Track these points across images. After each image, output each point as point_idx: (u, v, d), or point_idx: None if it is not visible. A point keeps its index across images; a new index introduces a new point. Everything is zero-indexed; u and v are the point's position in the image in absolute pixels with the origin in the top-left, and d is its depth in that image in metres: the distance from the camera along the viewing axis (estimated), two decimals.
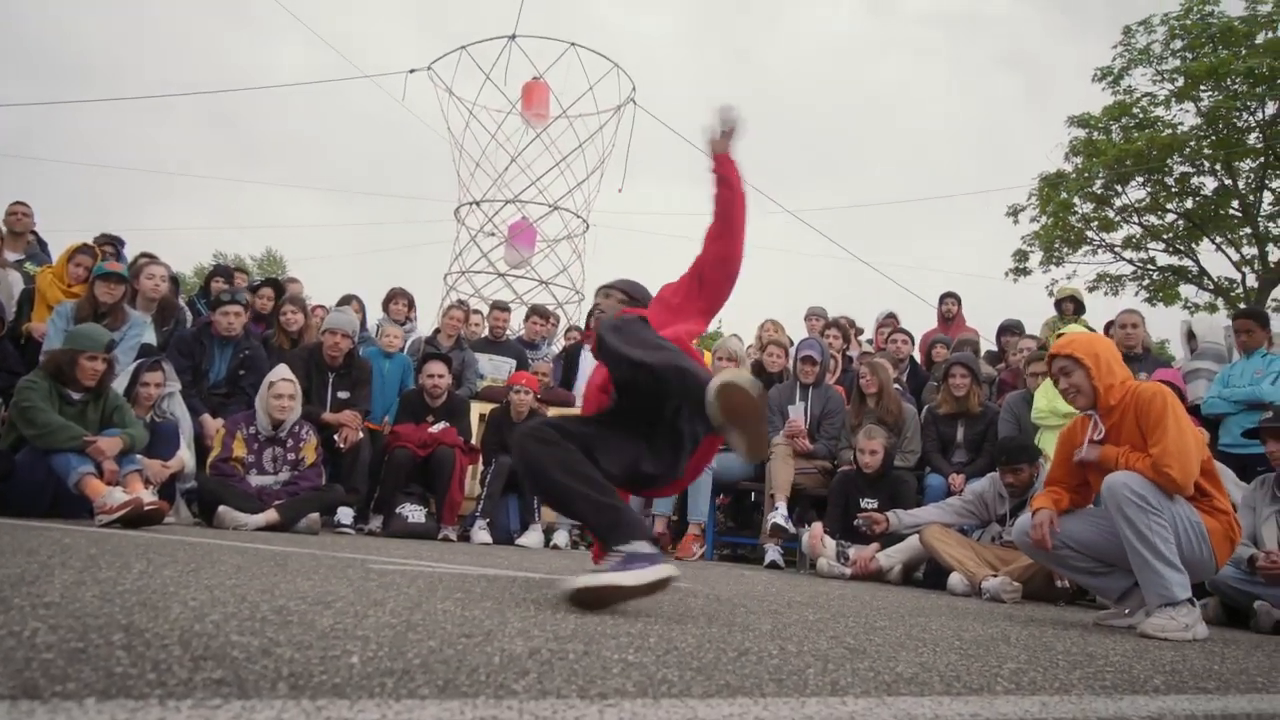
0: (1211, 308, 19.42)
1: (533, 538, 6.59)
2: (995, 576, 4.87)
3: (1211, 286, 19.88)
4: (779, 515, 6.33)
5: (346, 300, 8.62)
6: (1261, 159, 18.47)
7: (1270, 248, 18.96)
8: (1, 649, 1.29)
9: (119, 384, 5.57)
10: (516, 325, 10.64)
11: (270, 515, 5.50)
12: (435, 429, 6.77)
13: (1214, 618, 4.32)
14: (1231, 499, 4.73)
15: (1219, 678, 2.37)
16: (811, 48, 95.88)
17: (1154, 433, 3.50)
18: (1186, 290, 20.34)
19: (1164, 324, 32.16)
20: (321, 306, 9.34)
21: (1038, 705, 1.70)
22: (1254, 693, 2.20)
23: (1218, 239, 19.61)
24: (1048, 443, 5.90)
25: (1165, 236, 20.34)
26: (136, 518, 4.54)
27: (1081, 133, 19.87)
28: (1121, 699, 1.88)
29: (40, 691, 1.10)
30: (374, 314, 9.08)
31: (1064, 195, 19.87)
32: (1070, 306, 8.26)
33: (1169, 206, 19.96)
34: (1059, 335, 6.48)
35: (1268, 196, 18.92)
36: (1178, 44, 18.71)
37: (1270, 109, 17.99)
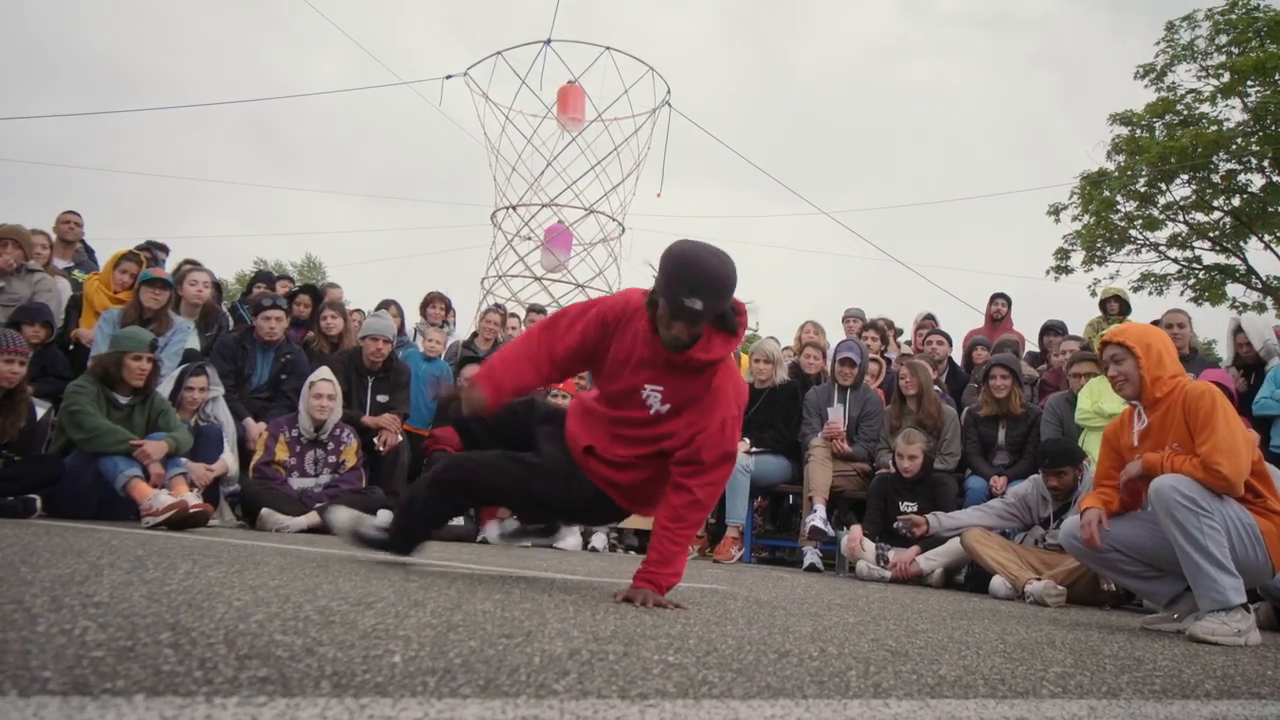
0: (1260, 307, 19.02)
1: (571, 540, 6.60)
2: (1039, 580, 4.80)
3: (1260, 285, 19.48)
4: (818, 518, 6.30)
5: (385, 305, 8.69)
6: None
7: None
8: (53, 647, 1.31)
9: (164, 388, 5.66)
10: None
11: (312, 518, 5.55)
12: None
13: (1266, 623, 4.22)
14: None
15: (1273, 683, 2.32)
16: (845, 48, 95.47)
17: (1202, 431, 3.43)
18: (1234, 289, 19.95)
19: (1211, 324, 31.53)
20: (359, 311, 9.44)
21: (1085, 709, 1.67)
22: None
23: (1266, 237, 19.20)
24: (1091, 444, 5.81)
25: (1212, 234, 19.96)
26: (182, 520, 4.61)
27: (1124, 130, 19.56)
28: (1172, 704, 1.84)
29: (91, 688, 1.11)
30: (412, 318, 9.14)
31: (1106, 194, 19.56)
32: (1115, 306, 8.13)
33: (1215, 204, 19.58)
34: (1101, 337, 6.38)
35: None
36: (1223, 39, 18.37)
37: None
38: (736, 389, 2.92)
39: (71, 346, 6.64)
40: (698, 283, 2.65)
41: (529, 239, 18.80)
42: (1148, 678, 2.17)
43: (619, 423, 2.99)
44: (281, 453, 5.92)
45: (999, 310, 9.07)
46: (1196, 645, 3.13)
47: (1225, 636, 3.21)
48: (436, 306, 8.91)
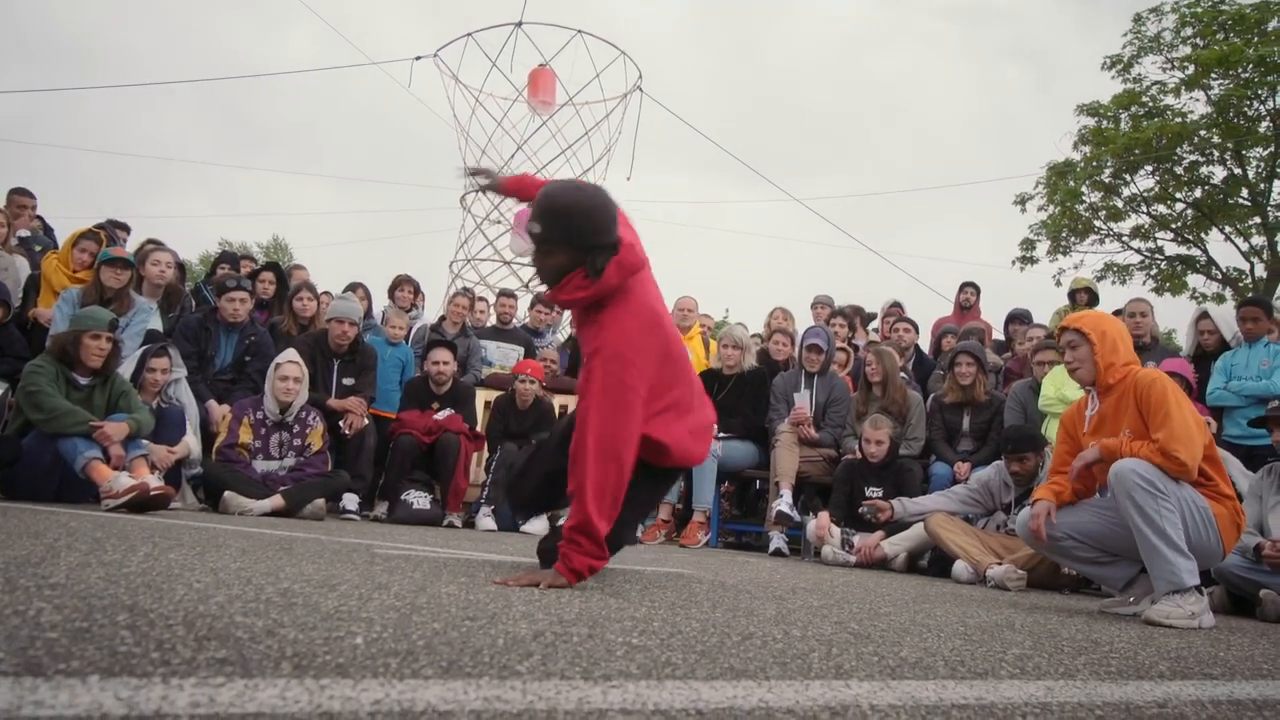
0: (1219, 298, 19.33)
1: (538, 525, 6.59)
2: (1000, 564, 4.87)
3: (1220, 276, 19.80)
4: (784, 503, 6.34)
5: (352, 288, 8.62)
6: (1272, 147, 18.35)
7: None
8: (6, 627, 1.29)
9: (125, 370, 5.58)
10: (523, 313, 10.63)
11: (276, 501, 5.51)
12: (440, 416, 6.77)
13: (1220, 606, 4.31)
14: (1238, 488, 4.74)
15: (1225, 665, 2.36)
16: (818, 35, 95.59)
17: (1156, 417, 3.50)
18: (1195, 280, 20.26)
19: (1172, 314, 32.12)
20: (327, 294, 9.34)
21: (1043, 690, 1.69)
22: (1260, 679, 2.19)
23: (1227, 229, 19.51)
24: (1054, 431, 5.88)
25: (1174, 226, 20.26)
26: (142, 502, 4.55)
27: (1090, 121, 19.79)
28: (1127, 684, 1.87)
29: (44, 669, 1.10)
30: (380, 301, 9.07)
31: (1072, 184, 19.77)
32: (1084, 297, 8.21)
33: (1178, 196, 19.87)
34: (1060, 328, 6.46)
35: (1278, 185, 18.81)
36: (1188, 31, 18.60)
37: None
38: (620, 330, 2.74)
39: (29, 326, 6.52)
40: (536, 209, 2.67)
41: (498, 223, 18.70)
42: (1104, 659, 2.20)
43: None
44: (245, 435, 5.86)
45: (968, 299, 9.15)
46: (1152, 628, 3.19)
47: (1180, 619, 3.27)
48: (405, 290, 8.84)
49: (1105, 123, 19.58)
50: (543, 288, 2.97)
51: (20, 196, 8.03)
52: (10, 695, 0.98)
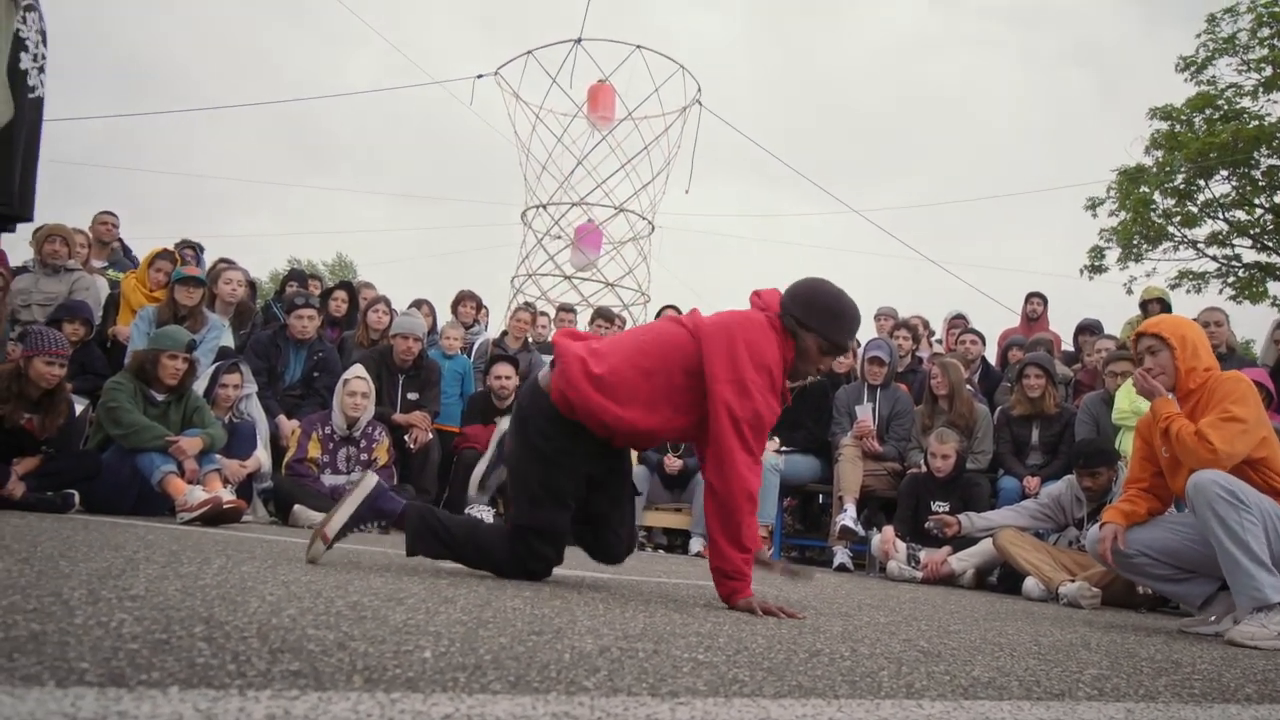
0: None
1: None
2: (1073, 581, 4.75)
3: None
4: (848, 517, 6.27)
5: (416, 304, 8.75)
6: None
7: None
8: (90, 639, 1.33)
9: (199, 385, 5.73)
10: (583, 328, 10.69)
11: None
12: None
13: None
14: None
15: None
16: (874, 44, 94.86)
17: (1217, 406, 3.43)
18: (1275, 288, 19.59)
19: (1250, 323, 31.02)
20: (391, 309, 9.49)
21: (1122, 712, 1.64)
22: None
23: None
24: (1129, 444, 5.73)
25: (1252, 232, 19.62)
26: (216, 515, 4.66)
27: (1163, 125, 19.27)
28: (1212, 707, 1.81)
29: (127, 680, 1.13)
30: (444, 317, 9.20)
31: (1144, 190, 19.28)
32: (1157, 308, 7.99)
33: (1256, 201, 19.25)
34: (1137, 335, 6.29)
35: None
36: (1265, 32, 18.05)
37: None
38: None
39: (109, 344, 6.74)
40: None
41: (559, 238, 18.85)
42: (1186, 681, 2.13)
43: None
44: (314, 450, 5.97)
45: (1034, 309, 8.96)
46: (1236, 648, 3.08)
47: (1265, 639, 3.15)
48: (467, 305, 8.96)
49: (1179, 126, 19.06)
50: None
51: (107, 216, 8.34)
52: (96, 705, 1.01)
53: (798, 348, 3.06)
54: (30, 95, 2.91)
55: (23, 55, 2.87)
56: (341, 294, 8.31)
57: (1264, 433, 3.48)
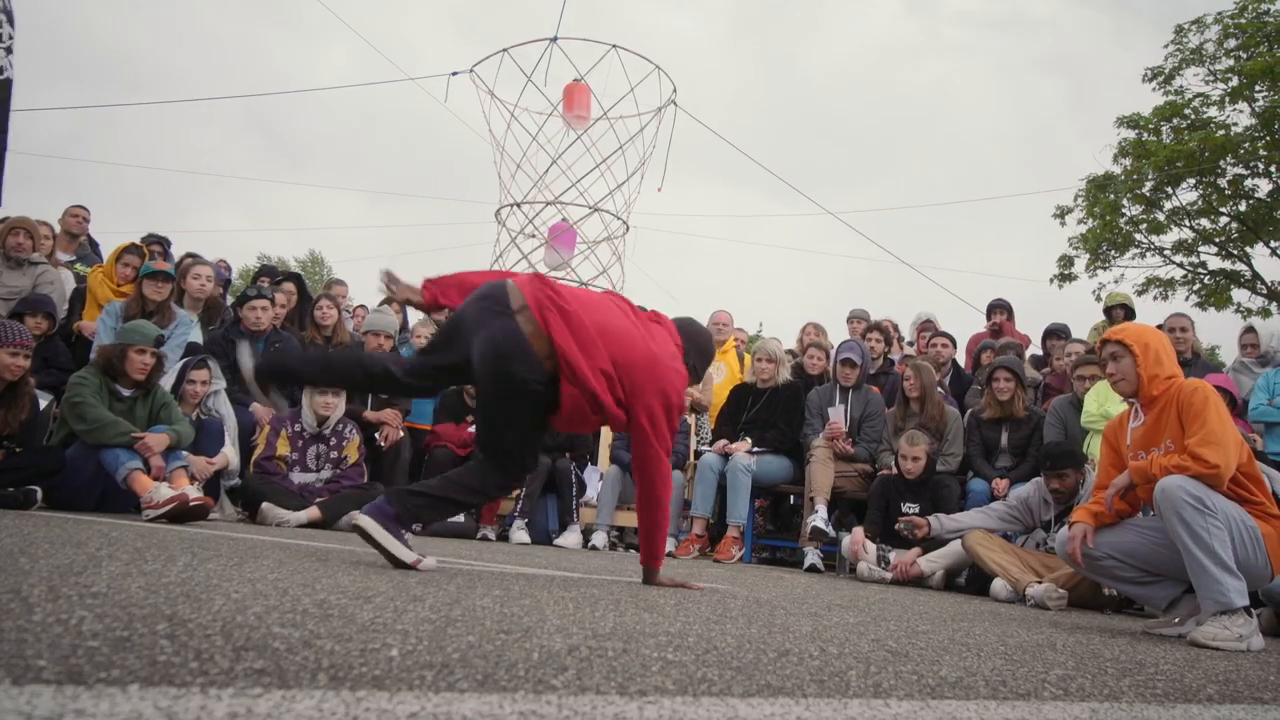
0: (1265, 312, 18.96)
1: (571, 538, 6.60)
2: (1040, 583, 4.79)
3: (1265, 290, 19.43)
4: (819, 518, 6.29)
5: (387, 301, 8.69)
6: None
7: None
8: (49, 636, 1.31)
9: (166, 382, 5.66)
10: None
11: (312, 512, 5.56)
12: (475, 429, 6.79)
13: (1268, 628, 4.20)
14: None
15: (1276, 689, 2.30)
16: (850, 49, 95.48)
17: (1193, 423, 3.46)
18: (1239, 295, 19.88)
19: (1216, 329, 31.53)
20: (363, 307, 9.43)
21: (1087, 712, 1.66)
22: None
23: (1272, 242, 19.15)
24: (1097, 448, 5.80)
25: (1218, 240, 19.91)
26: (182, 513, 4.61)
27: (1131, 134, 19.50)
28: (1174, 707, 1.83)
29: (85, 677, 1.11)
30: (415, 314, 9.14)
31: (1112, 197, 19.51)
32: (1120, 313, 8.10)
33: (1222, 209, 19.53)
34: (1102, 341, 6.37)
35: None
36: (1232, 43, 18.32)
37: None
38: None
39: (74, 339, 6.65)
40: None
41: (533, 236, 18.78)
42: (1149, 681, 2.16)
43: None
44: (283, 447, 5.92)
45: (996, 322, 8.87)
46: (1198, 649, 3.12)
47: (1227, 641, 3.20)
48: None
49: (1146, 135, 19.30)
50: None
51: (78, 210, 8.22)
52: (53, 703, 0.99)
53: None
54: None
55: None
56: (289, 286, 8.16)
57: (1234, 438, 3.53)
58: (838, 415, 6.74)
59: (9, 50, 2.88)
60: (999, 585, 5.03)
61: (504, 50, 18.36)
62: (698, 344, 3.72)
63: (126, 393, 5.23)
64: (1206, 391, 3.54)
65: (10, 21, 2.88)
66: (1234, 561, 3.31)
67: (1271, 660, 3.01)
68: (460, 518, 6.47)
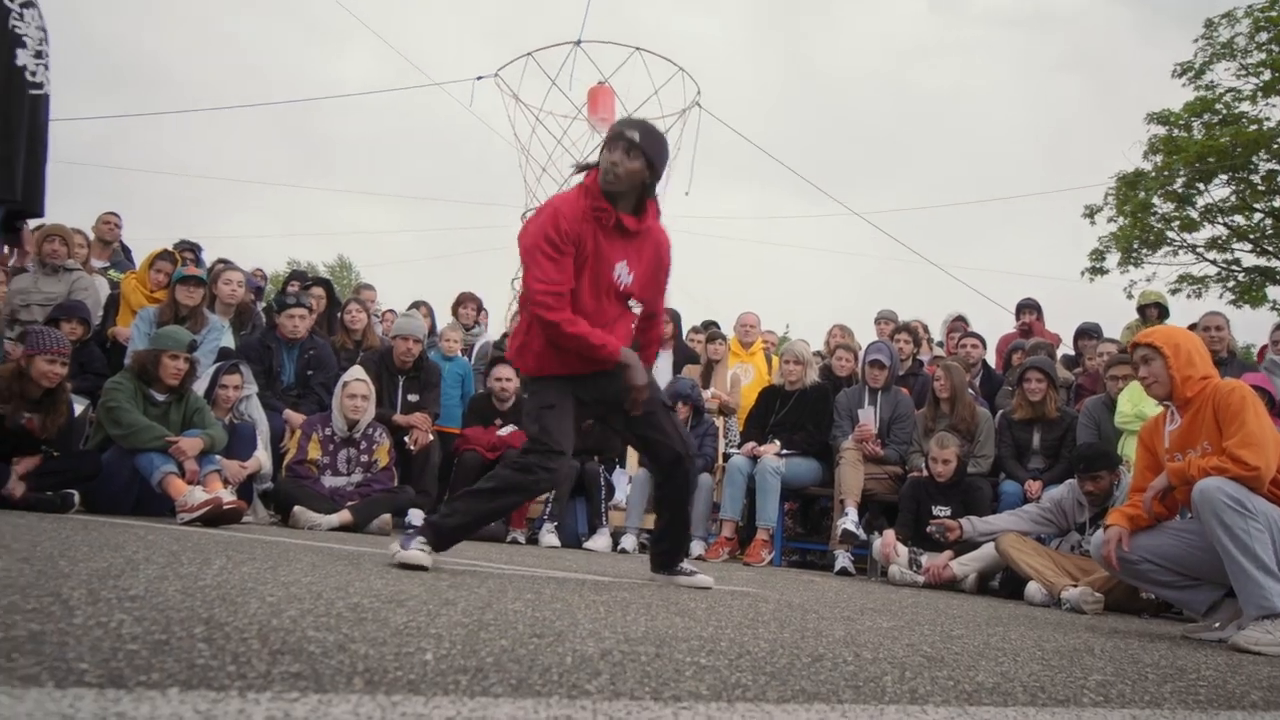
0: None
1: (600, 541, 6.60)
2: (1075, 586, 4.73)
3: None
4: (849, 521, 6.24)
5: (416, 305, 8.74)
6: None
7: None
8: (89, 639, 1.32)
9: (199, 386, 5.72)
10: None
11: (344, 516, 5.59)
12: (504, 432, 6.82)
13: None
14: None
15: None
16: (873, 48, 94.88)
17: (1231, 424, 3.40)
18: (1275, 292, 19.54)
19: (1251, 327, 30.99)
20: (391, 311, 9.49)
21: (1128, 719, 1.63)
22: None
23: None
24: (1132, 448, 5.72)
25: (1252, 236, 19.59)
26: (216, 516, 4.65)
27: (1161, 130, 19.21)
28: (1218, 714, 1.80)
29: (126, 681, 1.12)
30: (443, 318, 9.18)
31: (1143, 195, 19.24)
32: (1154, 312, 7.99)
33: (1256, 205, 19.21)
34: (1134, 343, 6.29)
35: None
36: (1264, 36, 18.01)
37: None
38: (666, 249, 3.66)
39: (108, 344, 6.73)
40: (639, 124, 3.40)
41: None
42: (1191, 687, 2.12)
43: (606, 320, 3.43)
44: (314, 451, 5.96)
45: (1026, 321, 8.76)
46: (1241, 654, 3.06)
47: (1270, 646, 3.14)
48: (468, 307, 8.95)
49: (1177, 131, 19.02)
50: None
51: (110, 216, 8.34)
52: (95, 707, 1.00)
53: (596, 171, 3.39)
54: (32, 91, 2.89)
55: (20, 52, 2.83)
56: (319, 290, 8.22)
57: (1274, 438, 3.47)
58: (867, 417, 6.69)
59: (47, 67, 2.93)
60: (1034, 589, 4.97)
61: (528, 54, 18.45)
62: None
63: (160, 397, 5.28)
64: (1244, 392, 3.48)
65: (47, 40, 2.94)
66: (1275, 564, 3.26)
67: None
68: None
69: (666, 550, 3.79)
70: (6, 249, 3.61)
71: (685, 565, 3.76)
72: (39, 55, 2.90)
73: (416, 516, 6.35)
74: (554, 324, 3.24)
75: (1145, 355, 3.68)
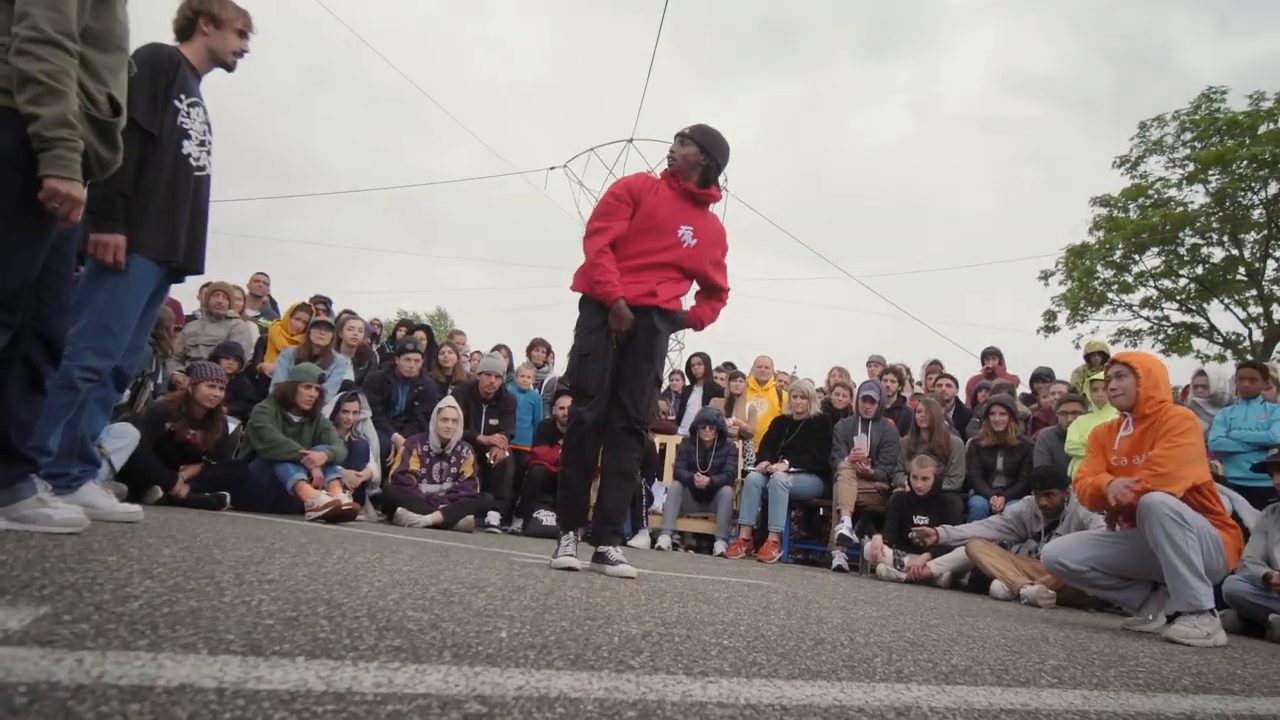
0: (1221, 358, 18.13)
1: (641, 540, 6.54)
2: (1032, 584, 4.59)
3: (1221, 340, 18.60)
4: (845, 527, 6.14)
5: (498, 348, 8.79)
6: (1265, 232, 17.28)
7: (1274, 307, 17.65)
8: (235, 615, 1.33)
9: (326, 411, 5.79)
10: None
11: (436, 516, 5.60)
12: None
13: (1232, 627, 3.96)
14: (1245, 524, 4.40)
15: (1243, 681, 2.16)
16: (869, 142, 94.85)
17: (1166, 439, 3.32)
18: (1198, 343, 19.05)
19: (1176, 373, 30.15)
20: (478, 352, 9.54)
21: (1080, 699, 1.57)
22: (1277, 696, 2.00)
23: (1226, 300, 18.36)
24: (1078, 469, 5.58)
25: (1178, 297, 19.14)
26: (336, 515, 4.69)
27: (1103, 210, 18.95)
28: (1155, 696, 1.73)
29: (263, 650, 1.12)
30: (520, 359, 9.23)
31: (1088, 263, 18.93)
32: (1099, 359, 7.79)
33: (1181, 273, 18.80)
34: (1091, 380, 6.15)
35: (1271, 264, 17.67)
36: (1188, 135, 17.75)
37: (1273, 189, 16.85)
38: (724, 234, 3.60)
39: (257, 377, 6.85)
40: (690, 125, 3.48)
41: None
42: (1132, 672, 2.04)
43: (649, 265, 3.35)
44: (414, 464, 6.00)
45: (990, 368, 8.61)
46: (1173, 645, 2.95)
47: (1197, 638, 3.02)
48: (539, 349, 9.01)
49: (1116, 211, 18.73)
50: None
51: (260, 275, 8.53)
52: (239, 671, 1.00)
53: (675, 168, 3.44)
54: (196, 174, 2.95)
55: (185, 142, 2.90)
56: (420, 334, 8.34)
57: (1203, 462, 3.37)
58: (861, 444, 6.59)
59: (209, 153, 3.01)
60: (997, 586, 4.84)
61: (591, 150, 18.72)
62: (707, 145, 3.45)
63: (296, 419, 5.37)
64: (1193, 421, 3.40)
65: (210, 131, 3.03)
66: (1203, 568, 3.15)
67: (1237, 656, 2.83)
68: (553, 521, 6.47)
69: (598, 522, 3.44)
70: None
71: (613, 553, 3.28)
72: (202, 144, 2.97)
73: (494, 517, 6.35)
74: (589, 249, 3.30)
75: (1120, 371, 3.54)
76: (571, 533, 3.34)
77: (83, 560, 1.74)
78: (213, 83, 3.13)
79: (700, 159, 3.41)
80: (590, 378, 3.31)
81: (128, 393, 5.21)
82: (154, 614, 1.25)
